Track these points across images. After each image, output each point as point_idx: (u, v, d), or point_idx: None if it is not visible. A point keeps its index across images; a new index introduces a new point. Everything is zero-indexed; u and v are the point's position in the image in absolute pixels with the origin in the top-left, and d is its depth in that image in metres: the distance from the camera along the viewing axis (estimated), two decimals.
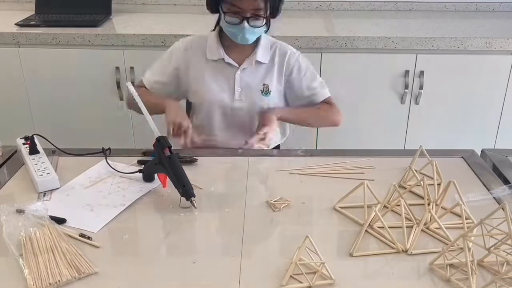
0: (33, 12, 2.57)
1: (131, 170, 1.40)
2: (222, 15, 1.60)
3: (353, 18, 2.68)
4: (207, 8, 1.67)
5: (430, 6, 2.79)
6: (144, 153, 1.49)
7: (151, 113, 1.44)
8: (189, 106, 1.86)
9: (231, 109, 1.70)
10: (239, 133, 1.71)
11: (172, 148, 1.30)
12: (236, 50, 1.69)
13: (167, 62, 1.73)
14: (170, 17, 2.66)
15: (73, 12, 2.55)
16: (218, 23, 1.70)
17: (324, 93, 1.76)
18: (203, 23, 2.53)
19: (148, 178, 1.36)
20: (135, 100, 1.52)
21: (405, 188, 1.30)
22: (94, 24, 2.41)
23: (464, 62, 2.34)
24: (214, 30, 1.72)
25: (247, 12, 1.56)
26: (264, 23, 1.60)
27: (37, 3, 2.59)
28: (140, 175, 1.37)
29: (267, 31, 1.68)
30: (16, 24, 2.40)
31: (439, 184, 1.33)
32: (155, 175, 1.35)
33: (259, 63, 1.69)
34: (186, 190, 1.24)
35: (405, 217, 1.14)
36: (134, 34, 2.30)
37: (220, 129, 1.74)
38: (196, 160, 1.45)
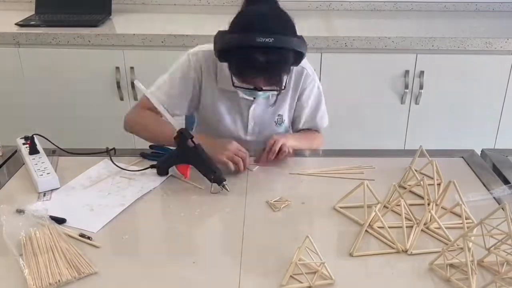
0: (33, 12, 2.57)
1: (131, 170, 1.40)
2: (232, 78, 1.38)
3: (353, 18, 2.68)
4: (215, 55, 1.39)
5: (430, 6, 2.79)
6: (142, 154, 1.48)
7: (156, 142, 1.46)
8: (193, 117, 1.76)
9: (243, 140, 1.56)
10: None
11: (193, 138, 1.33)
12: None
13: (179, 88, 1.53)
14: (170, 17, 2.66)
15: (73, 12, 2.55)
16: None
17: (321, 124, 1.68)
18: (203, 23, 2.55)
19: (164, 171, 1.38)
20: (133, 127, 1.54)
21: (405, 188, 1.30)
22: (94, 24, 2.41)
23: (464, 62, 2.34)
24: None
25: (261, 87, 1.37)
26: (279, 91, 1.41)
27: (37, 3, 2.59)
28: (140, 175, 1.37)
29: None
30: (16, 24, 2.40)
31: (439, 184, 1.33)
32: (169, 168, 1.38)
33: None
34: (218, 176, 1.31)
35: (405, 217, 1.14)
36: (134, 34, 2.30)
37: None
38: None
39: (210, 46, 1.41)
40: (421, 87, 2.36)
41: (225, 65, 1.41)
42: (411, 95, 2.39)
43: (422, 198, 1.25)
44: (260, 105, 1.57)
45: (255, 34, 1.27)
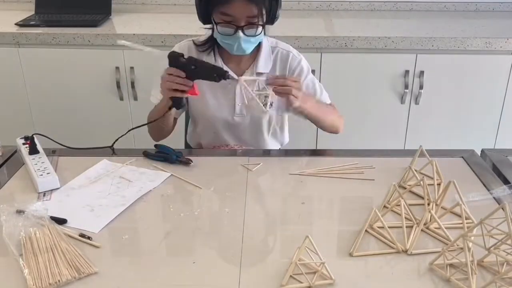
0: (33, 12, 2.57)
1: (129, 169, 1.40)
2: (215, 26, 1.48)
3: (353, 18, 2.68)
4: (199, 20, 1.56)
5: (430, 6, 2.79)
6: (145, 153, 1.49)
7: (160, 115, 1.49)
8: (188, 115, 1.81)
9: (231, 123, 1.63)
10: (241, 141, 1.67)
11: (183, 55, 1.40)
12: (235, 60, 1.59)
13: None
14: (170, 17, 2.66)
15: (73, 12, 2.55)
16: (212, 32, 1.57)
17: (325, 98, 1.68)
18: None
19: (178, 103, 1.45)
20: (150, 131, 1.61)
21: (405, 188, 1.30)
22: (94, 24, 2.41)
23: (464, 62, 2.34)
24: (205, 37, 1.62)
25: (241, 21, 1.44)
26: (261, 31, 1.48)
27: (37, 3, 2.59)
28: (140, 174, 1.37)
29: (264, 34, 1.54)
30: (16, 24, 2.40)
31: (439, 184, 1.33)
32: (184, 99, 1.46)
33: (260, 73, 1.59)
34: (218, 71, 1.38)
35: (405, 217, 1.14)
36: (134, 34, 2.30)
37: (222, 139, 1.67)
38: (190, 161, 1.44)
39: (186, 40, 1.64)
40: (421, 87, 2.36)
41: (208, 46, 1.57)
42: (411, 95, 2.39)
43: (422, 198, 1.25)
44: (246, 85, 1.58)
45: None
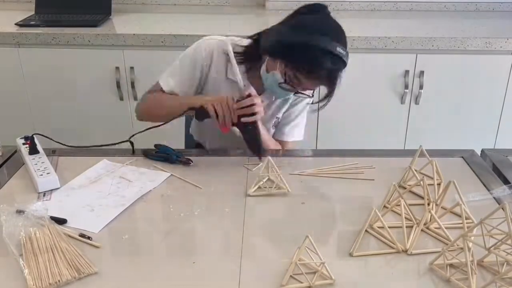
0: (33, 12, 2.57)
1: (129, 169, 1.40)
2: (279, 75, 1.40)
3: (353, 18, 2.68)
4: (263, 52, 1.44)
5: (430, 6, 2.79)
6: (145, 153, 1.49)
7: (175, 115, 1.46)
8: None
9: (237, 135, 1.55)
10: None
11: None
12: (257, 79, 1.51)
13: (190, 74, 1.55)
14: (170, 17, 2.66)
15: (73, 12, 2.55)
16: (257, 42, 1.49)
17: (290, 136, 1.67)
18: (203, 23, 2.55)
19: (204, 118, 1.43)
20: (147, 111, 1.58)
21: (405, 188, 1.30)
22: (94, 24, 2.41)
23: (464, 62, 2.34)
24: (245, 39, 1.55)
25: (306, 89, 1.44)
26: (310, 97, 1.50)
27: (37, 3, 2.59)
28: (140, 174, 1.37)
29: None
30: (16, 24, 2.40)
31: (439, 184, 1.33)
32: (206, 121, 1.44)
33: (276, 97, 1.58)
34: (260, 149, 1.45)
35: (405, 217, 1.14)
36: (134, 34, 2.30)
37: (230, 141, 1.61)
38: (191, 161, 1.44)
39: (223, 37, 1.54)
40: (421, 87, 2.36)
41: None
42: (411, 95, 2.39)
43: (422, 198, 1.25)
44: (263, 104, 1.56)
45: (335, 43, 1.34)
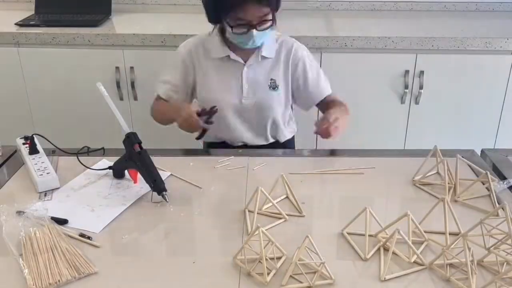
0: (33, 12, 2.57)
1: (102, 167, 1.41)
2: (228, 27, 1.56)
3: (353, 18, 2.68)
4: (208, 21, 1.64)
5: (430, 6, 2.79)
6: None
7: (167, 124, 1.62)
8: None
9: (240, 107, 1.69)
10: (251, 128, 1.72)
11: (141, 143, 1.33)
12: (239, 48, 1.65)
13: (174, 68, 1.72)
14: (170, 17, 2.66)
15: (73, 12, 2.55)
16: (220, 27, 1.67)
17: (328, 88, 1.76)
18: (203, 23, 2.54)
19: (118, 174, 1.38)
20: (158, 113, 1.71)
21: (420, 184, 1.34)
22: (94, 24, 2.41)
23: (464, 62, 2.34)
24: (212, 32, 1.70)
25: (254, 21, 1.53)
26: (272, 23, 1.57)
27: (37, 3, 2.59)
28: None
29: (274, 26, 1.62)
30: (16, 24, 2.40)
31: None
32: (126, 171, 1.37)
33: (265, 58, 1.67)
34: (157, 184, 1.26)
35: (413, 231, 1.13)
36: (134, 34, 2.30)
37: (231, 126, 1.72)
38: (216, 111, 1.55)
39: (193, 38, 1.73)
40: (421, 87, 2.36)
41: (214, 36, 1.66)
42: (411, 95, 2.39)
43: (437, 198, 1.24)
44: (252, 68, 1.67)
45: None
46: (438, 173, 1.41)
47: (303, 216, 1.22)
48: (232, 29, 1.54)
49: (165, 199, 1.25)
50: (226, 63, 1.67)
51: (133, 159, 1.30)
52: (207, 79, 1.69)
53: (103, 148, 1.52)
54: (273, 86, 1.69)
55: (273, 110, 1.71)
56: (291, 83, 1.72)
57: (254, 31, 1.53)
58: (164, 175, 1.39)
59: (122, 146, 1.52)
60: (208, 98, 1.69)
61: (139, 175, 1.31)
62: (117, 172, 1.38)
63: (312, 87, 1.73)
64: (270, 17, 1.55)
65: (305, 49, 1.74)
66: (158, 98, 1.74)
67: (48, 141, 1.48)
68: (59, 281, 0.99)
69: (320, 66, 2.31)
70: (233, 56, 1.66)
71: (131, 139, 1.32)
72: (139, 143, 1.32)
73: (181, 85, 1.72)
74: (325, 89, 1.75)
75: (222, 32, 1.66)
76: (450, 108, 2.43)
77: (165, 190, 1.26)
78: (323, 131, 1.48)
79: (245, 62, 1.67)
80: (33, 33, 2.31)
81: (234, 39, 1.60)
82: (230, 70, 1.68)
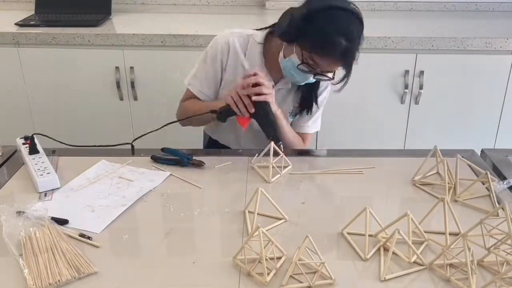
0: (33, 12, 2.57)
1: (129, 169, 1.40)
2: (296, 58, 1.43)
3: None
4: (282, 38, 1.45)
5: (430, 6, 2.79)
6: (153, 157, 1.48)
7: (201, 120, 1.54)
8: None
9: (255, 125, 1.56)
10: (260, 142, 1.60)
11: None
12: (276, 67, 1.53)
13: (212, 71, 1.60)
14: (170, 17, 2.66)
15: (73, 12, 2.55)
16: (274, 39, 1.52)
17: (313, 128, 1.71)
18: (203, 23, 2.55)
19: (224, 118, 1.47)
20: (190, 110, 1.58)
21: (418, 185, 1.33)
22: (94, 24, 2.41)
23: (464, 62, 2.34)
24: (261, 37, 1.57)
25: (322, 70, 1.44)
26: (330, 78, 1.48)
27: (37, 3, 2.59)
28: (140, 174, 1.37)
29: None
30: (16, 24, 2.40)
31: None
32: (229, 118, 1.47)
33: (294, 84, 1.59)
34: (276, 136, 1.44)
35: (413, 231, 1.13)
36: (134, 34, 2.30)
37: (242, 139, 1.68)
38: (203, 163, 1.43)
39: (238, 30, 1.58)
40: (421, 87, 2.36)
41: (256, 44, 1.55)
42: (411, 95, 2.39)
43: (437, 198, 1.24)
44: (279, 93, 1.60)
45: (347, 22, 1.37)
46: (438, 173, 1.41)
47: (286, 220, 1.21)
48: (298, 66, 1.43)
49: (281, 149, 1.40)
50: None
51: (257, 106, 1.41)
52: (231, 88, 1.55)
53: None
54: (293, 113, 1.65)
55: (287, 131, 1.63)
56: None
57: (312, 77, 1.47)
58: (164, 175, 1.39)
59: (123, 147, 1.53)
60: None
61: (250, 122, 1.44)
62: (226, 116, 1.46)
63: (309, 119, 1.68)
64: (333, 75, 1.47)
65: (329, 89, 1.66)
66: (186, 97, 1.65)
67: (51, 138, 1.47)
68: (59, 281, 0.99)
69: None
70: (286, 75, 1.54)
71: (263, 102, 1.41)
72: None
73: (212, 88, 1.63)
74: (307, 129, 1.70)
75: (266, 40, 1.56)
76: (450, 108, 2.43)
77: (280, 141, 1.44)
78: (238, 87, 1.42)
79: (275, 84, 1.58)
80: (33, 33, 2.32)
81: (286, 67, 1.48)
82: None
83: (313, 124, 1.71)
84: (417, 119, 2.45)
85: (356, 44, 1.39)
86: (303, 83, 1.54)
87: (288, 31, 1.40)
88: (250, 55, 1.57)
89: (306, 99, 1.63)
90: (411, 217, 1.10)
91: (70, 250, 1.07)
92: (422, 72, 2.34)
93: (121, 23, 2.51)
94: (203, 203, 1.27)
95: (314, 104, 1.64)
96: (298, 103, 1.64)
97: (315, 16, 1.36)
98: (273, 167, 1.38)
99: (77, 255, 1.06)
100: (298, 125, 1.70)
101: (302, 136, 1.70)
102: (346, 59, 1.40)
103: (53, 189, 1.31)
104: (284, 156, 1.42)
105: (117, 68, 2.35)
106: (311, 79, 1.50)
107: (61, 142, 1.48)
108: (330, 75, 1.47)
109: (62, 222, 1.17)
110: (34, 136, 1.46)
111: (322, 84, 1.63)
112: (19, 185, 1.34)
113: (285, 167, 1.42)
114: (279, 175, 1.39)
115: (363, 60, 2.33)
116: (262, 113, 1.43)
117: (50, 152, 1.48)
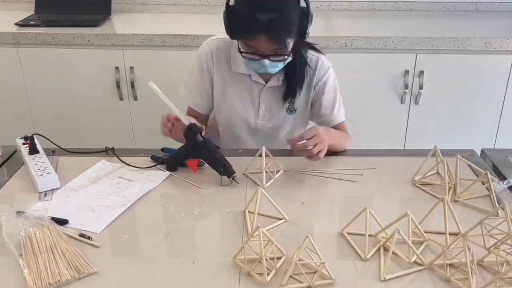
0: (33, 12, 2.57)
1: (128, 169, 1.40)
2: (238, 48, 1.44)
3: (353, 18, 2.68)
4: (227, 34, 1.47)
5: (430, 6, 2.79)
6: (153, 157, 1.48)
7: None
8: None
9: (254, 126, 1.64)
10: (262, 143, 1.59)
11: (201, 133, 1.39)
12: None
13: (201, 82, 1.61)
14: (170, 17, 2.66)
15: (73, 12, 2.55)
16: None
17: (340, 117, 1.66)
18: (203, 23, 2.54)
19: (174, 167, 1.41)
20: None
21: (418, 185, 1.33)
22: (94, 24, 2.41)
23: (464, 62, 2.34)
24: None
25: (267, 52, 1.41)
26: (287, 57, 1.44)
27: (37, 3, 2.59)
28: (140, 174, 1.37)
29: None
30: (16, 24, 2.40)
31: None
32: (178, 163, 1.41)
33: (284, 80, 1.57)
34: (227, 169, 1.35)
35: (412, 231, 1.13)
36: (134, 34, 2.30)
37: (243, 140, 1.68)
38: (203, 163, 1.43)
39: (224, 35, 1.50)
40: (420, 87, 2.36)
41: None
42: (410, 95, 2.39)
43: (436, 198, 1.24)
44: (271, 90, 1.59)
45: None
46: (438, 173, 1.41)
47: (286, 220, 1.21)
48: (242, 54, 1.44)
49: (236, 181, 1.34)
50: (246, 80, 1.58)
51: (198, 148, 1.37)
52: (224, 93, 1.61)
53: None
54: (291, 109, 1.62)
55: (288, 130, 1.66)
56: (310, 103, 1.64)
57: (266, 61, 1.42)
58: (164, 175, 1.39)
59: (124, 146, 1.53)
60: (222, 111, 1.64)
61: (198, 164, 1.39)
62: (173, 165, 1.41)
63: (326, 111, 1.63)
64: (286, 49, 1.41)
65: (330, 67, 1.62)
66: (192, 113, 1.63)
67: (49, 140, 1.48)
68: (59, 281, 0.99)
69: None
70: (254, 77, 1.56)
71: (193, 130, 1.37)
72: (200, 132, 1.38)
73: (203, 93, 1.63)
74: (336, 118, 1.65)
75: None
76: (450, 108, 2.43)
77: (234, 173, 1.35)
78: (296, 148, 1.39)
79: (266, 82, 1.58)
80: (33, 33, 2.31)
81: (246, 63, 1.49)
82: (248, 89, 1.59)
83: (338, 113, 1.66)
84: (417, 119, 2.45)
85: (282, 16, 1.34)
86: (273, 72, 1.50)
87: (226, 29, 1.44)
88: (235, 58, 1.56)
89: (290, 86, 1.59)
90: (411, 217, 1.10)
91: (70, 250, 1.07)
92: (422, 72, 2.34)
93: (121, 23, 2.51)
94: (203, 203, 1.27)
95: (299, 89, 1.59)
96: (286, 86, 1.60)
97: (232, 6, 1.41)
98: (266, 172, 1.37)
99: (77, 255, 1.06)
100: (326, 121, 1.65)
101: (338, 127, 1.65)
102: (270, 33, 1.35)
103: (53, 189, 1.31)
104: (275, 160, 1.41)
105: (117, 68, 2.35)
106: (279, 65, 1.46)
107: (57, 146, 1.48)
108: (281, 55, 1.42)
109: (62, 222, 1.17)
110: (34, 136, 1.46)
111: (319, 72, 1.58)
112: (19, 185, 1.34)
113: (277, 171, 1.41)
114: (272, 180, 1.38)
115: (363, 60, 2.35)
116: (204, 152, 1.37)
117: (50, 152, 1.48)
